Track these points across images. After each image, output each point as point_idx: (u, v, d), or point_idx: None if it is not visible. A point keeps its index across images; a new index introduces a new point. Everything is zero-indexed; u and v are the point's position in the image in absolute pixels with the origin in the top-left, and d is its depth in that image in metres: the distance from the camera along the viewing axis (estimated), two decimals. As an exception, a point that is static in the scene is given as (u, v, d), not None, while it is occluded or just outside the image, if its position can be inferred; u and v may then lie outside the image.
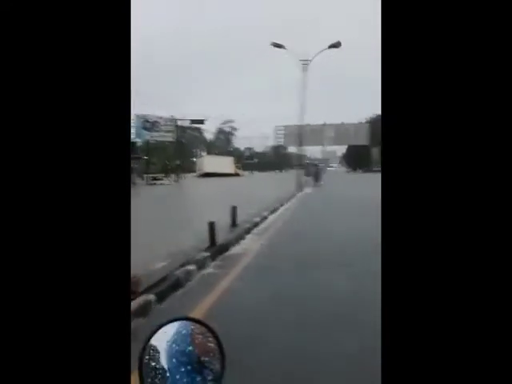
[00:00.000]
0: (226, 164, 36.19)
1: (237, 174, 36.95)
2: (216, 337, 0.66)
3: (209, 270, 4.53)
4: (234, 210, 7.03)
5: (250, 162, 49.13)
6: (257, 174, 44.68)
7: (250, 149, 55.96)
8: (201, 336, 0.66)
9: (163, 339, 0.64)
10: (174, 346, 0.63)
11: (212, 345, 0.65)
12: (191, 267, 4.31)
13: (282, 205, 11.15)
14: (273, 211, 9.56)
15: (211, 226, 5.30)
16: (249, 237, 6.53)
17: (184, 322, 0.67)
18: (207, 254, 4.86)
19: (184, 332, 0.65)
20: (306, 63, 18.46)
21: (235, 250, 5.57)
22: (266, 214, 8.82)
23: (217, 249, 5.20)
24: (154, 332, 0.64)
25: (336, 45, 17.88)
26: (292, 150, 75.33)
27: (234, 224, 6.91)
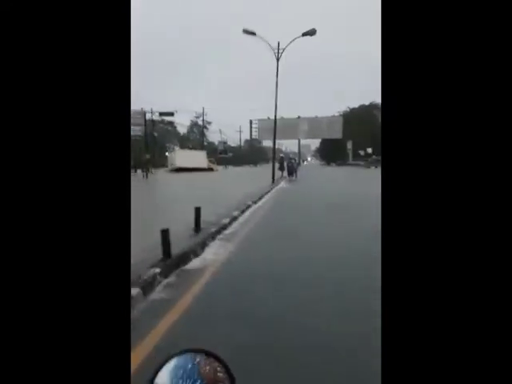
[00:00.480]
0: (198, 158, 34.73)
1: (210, 169, 35.73)
2: (225, 365, 0.62)
3: (156, 293, 3.53)
4: (197, 211, 6.02)
5: (224, 156, 47.40)
6: (231, 169, 43.68)
7: (224, 143, 53.99)
8: (208, 367, 0.62)
9: (168, 377, 0.59)
10: (181, 382, 0.59)
11: (221, 374, 0.61)
12: (134, 291, 3.32)
13: (254, 202, 10.23)
14: (244, 210, 8.62)
15: (164, 234, 4.28)
16: (214, 244, 5.54)
17: (188, 354, 0.63)
18: (158, 269, 3.86)
19: (190, 366, 0.62)
20: (279, 51, 17.51)
21: (195, 263, 4.55)
22: (236, 213, 7.88)
23: (171, 262, 4.20)
24: (157, 371, 0.60)
25: (310, 32, 17.00)
26: (267, 143, 75.03)
27: (197, 228, 5.90)
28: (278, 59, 17.50)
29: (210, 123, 65.04)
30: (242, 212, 8.39)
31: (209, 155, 40.14)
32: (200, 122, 66.46)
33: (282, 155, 22.53)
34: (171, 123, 68.37)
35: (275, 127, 18.84)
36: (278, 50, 17.49)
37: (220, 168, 41.43)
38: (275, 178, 18.08)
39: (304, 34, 17.14)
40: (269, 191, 13.47)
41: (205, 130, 66.87)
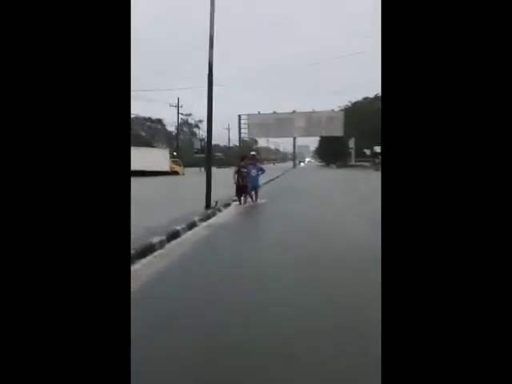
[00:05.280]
0: (157, 159, 25.27)
1: (175, 172, 26.28)
2: None
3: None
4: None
5: (200, 155, 37.36)
6: (214, 171, 34.12)
7: (200, 140, 43.93)
8: None
9: None
10: None
11: None
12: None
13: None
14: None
15: None
16: None
17: None
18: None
19: None
20: None
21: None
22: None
23: None
24: None
25: None
26: (264, 143, 65.40)
27: None
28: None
29: (201, 121, 55.71)
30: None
31: (172, 155, 30.59)
32: (191, 121, 57.47)
33: (253, 153, 12.58)
34: (160, 121, 59.21)
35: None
36: None
37: (194, 171, 31.94)
38: (211, 198, 8.50)
39: None
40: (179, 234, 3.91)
41: (196, 130, 57.83)
